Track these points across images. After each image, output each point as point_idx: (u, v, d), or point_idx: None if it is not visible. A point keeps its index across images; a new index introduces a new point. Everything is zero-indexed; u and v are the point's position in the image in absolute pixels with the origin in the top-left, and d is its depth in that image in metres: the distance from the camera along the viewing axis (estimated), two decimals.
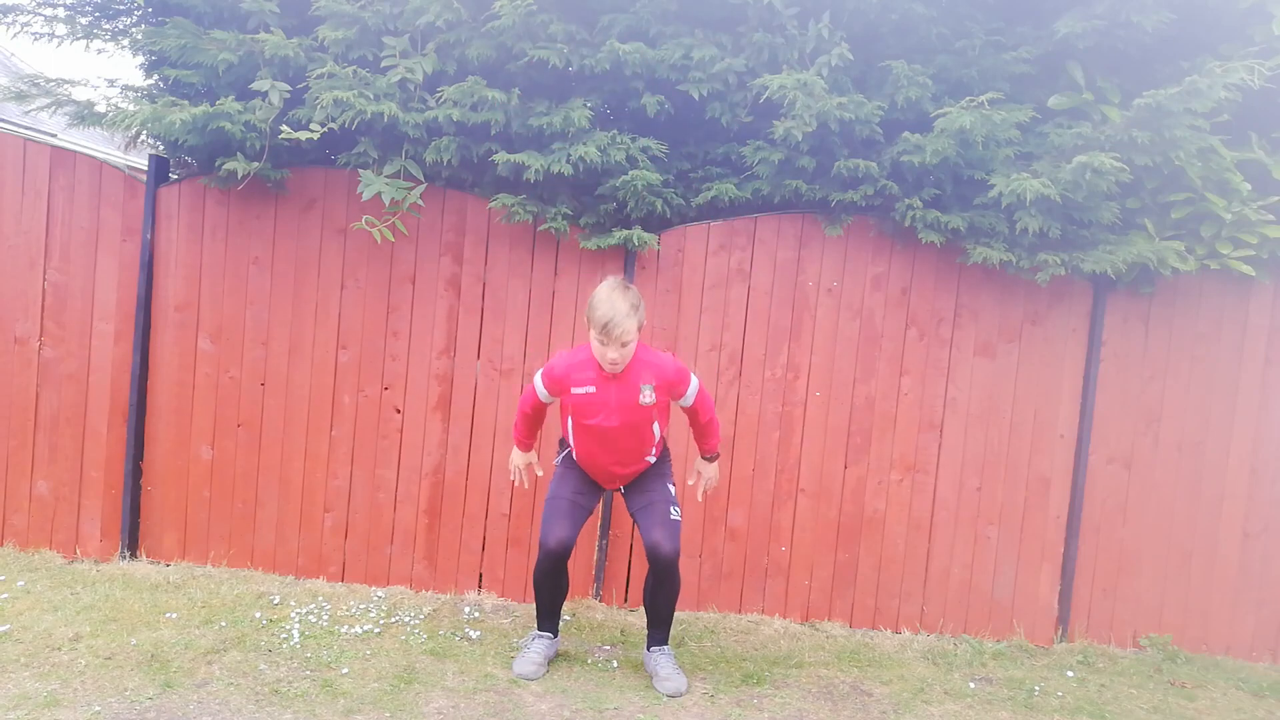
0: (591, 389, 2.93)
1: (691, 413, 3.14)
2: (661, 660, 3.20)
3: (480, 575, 3.94)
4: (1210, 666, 3.82)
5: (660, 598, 3.15)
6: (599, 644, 3.52)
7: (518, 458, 3.30)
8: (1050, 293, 3.87)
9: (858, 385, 3.90)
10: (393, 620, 3.56)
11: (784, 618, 3.91)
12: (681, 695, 3.09)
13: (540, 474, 3.44)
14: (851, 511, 3.92)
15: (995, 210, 3.65)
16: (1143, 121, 3.41)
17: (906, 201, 3.66)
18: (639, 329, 2.84)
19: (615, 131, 3.64)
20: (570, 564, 3.78)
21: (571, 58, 3.56)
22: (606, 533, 3.89)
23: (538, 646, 3.22)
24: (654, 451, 3.11)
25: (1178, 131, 3.42)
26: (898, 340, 3.89)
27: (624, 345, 2.80)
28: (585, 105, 3.58)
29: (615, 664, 3.35)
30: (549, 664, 3.23)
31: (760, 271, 3.87)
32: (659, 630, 3.21)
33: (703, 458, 3.30)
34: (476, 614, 3.71)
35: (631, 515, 3.17)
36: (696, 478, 3.33)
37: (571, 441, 3.11)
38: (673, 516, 3.07)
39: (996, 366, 3.90)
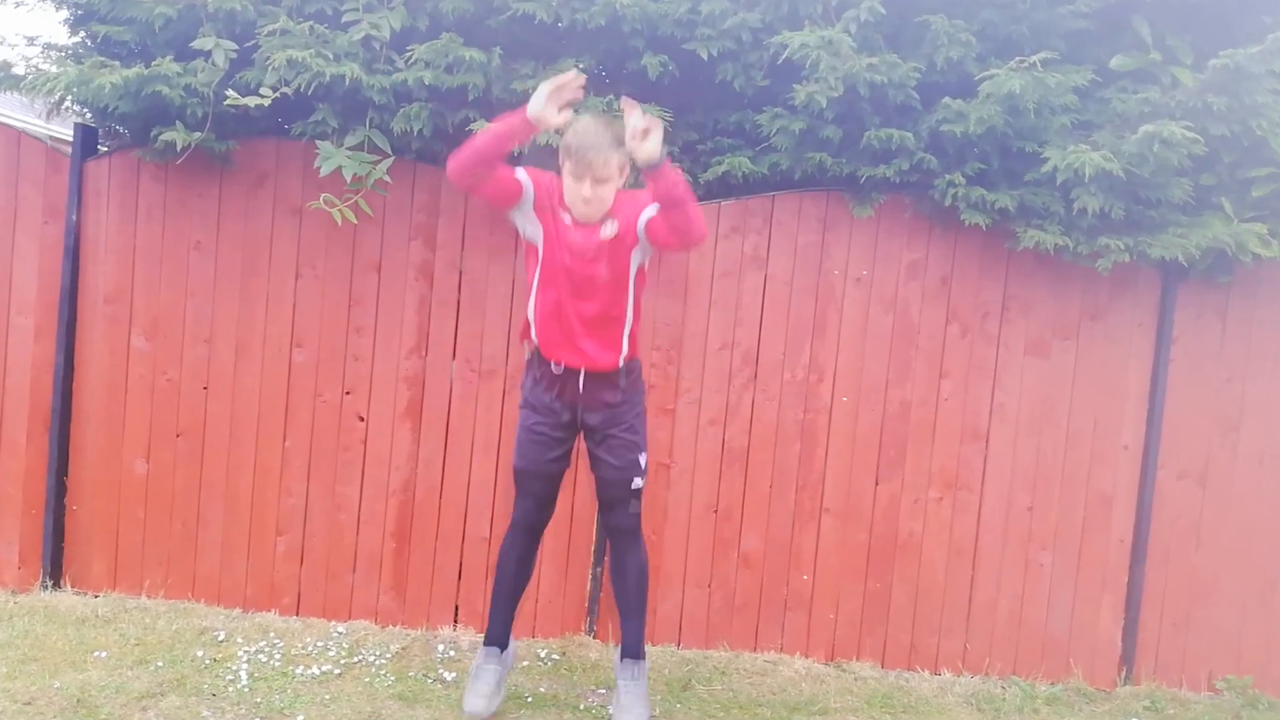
0: (566, 215, 2.89)
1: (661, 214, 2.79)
2: (627, 685, 3.09)
3: (456, 608, 3.92)
4: None
5: (627, 574, 3.10)
6: (593, 687, 3.49)
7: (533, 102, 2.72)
8: (1112, 283, 3.85)
9: (891, 389, 3.89)
10: (355, 660, 3.55)
11: (806, 657, 3.90)
12: None
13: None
14: (884, 534, 3.91)
15: (1049, 188, 3.63)
16: (1219, 85, 3.38)
17: (947, 178, 3.64)
18: (621, 170, 2.80)
19: (612, 97, 3.60)
20: (560, 594, 3.90)
21: (561, 11, 3.53)
22: (602, 559, 3.87)
23: (487, 676, 3.10)
24: (629, 322, 2.96)
25: (1259, 97, 3.38)
26: (937, 337, 3.88)
27: (600, 183, 2.77)
28: (577, 66, 3.52)
29: (613, 712, 3.26)
30: (501, 688, 3.14)
31: (778, 258, 3.86)
32: (631, 623, 3.13)
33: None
34: (452, 653, 3.69)
35: (590, 455, 3.10)
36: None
37: (535, 297, 2.96)
38: (637, 472, 3.04)
39: (1050, 367, 3.90)
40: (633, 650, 3.14)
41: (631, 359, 3.06)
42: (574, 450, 3.17)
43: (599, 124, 2.81)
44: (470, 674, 3.17)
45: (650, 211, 2.84)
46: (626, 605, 3.15)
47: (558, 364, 2.98)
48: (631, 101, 2.72)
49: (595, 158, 2.74)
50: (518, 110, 2.76)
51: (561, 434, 3.06)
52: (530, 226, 2.95)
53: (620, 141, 2.75)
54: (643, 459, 3.07)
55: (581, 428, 3.07)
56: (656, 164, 2.64)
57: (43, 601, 3.80)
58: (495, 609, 3.20)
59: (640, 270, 2.98)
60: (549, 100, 2.71)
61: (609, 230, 2.89)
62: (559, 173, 2.90)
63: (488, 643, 3.19)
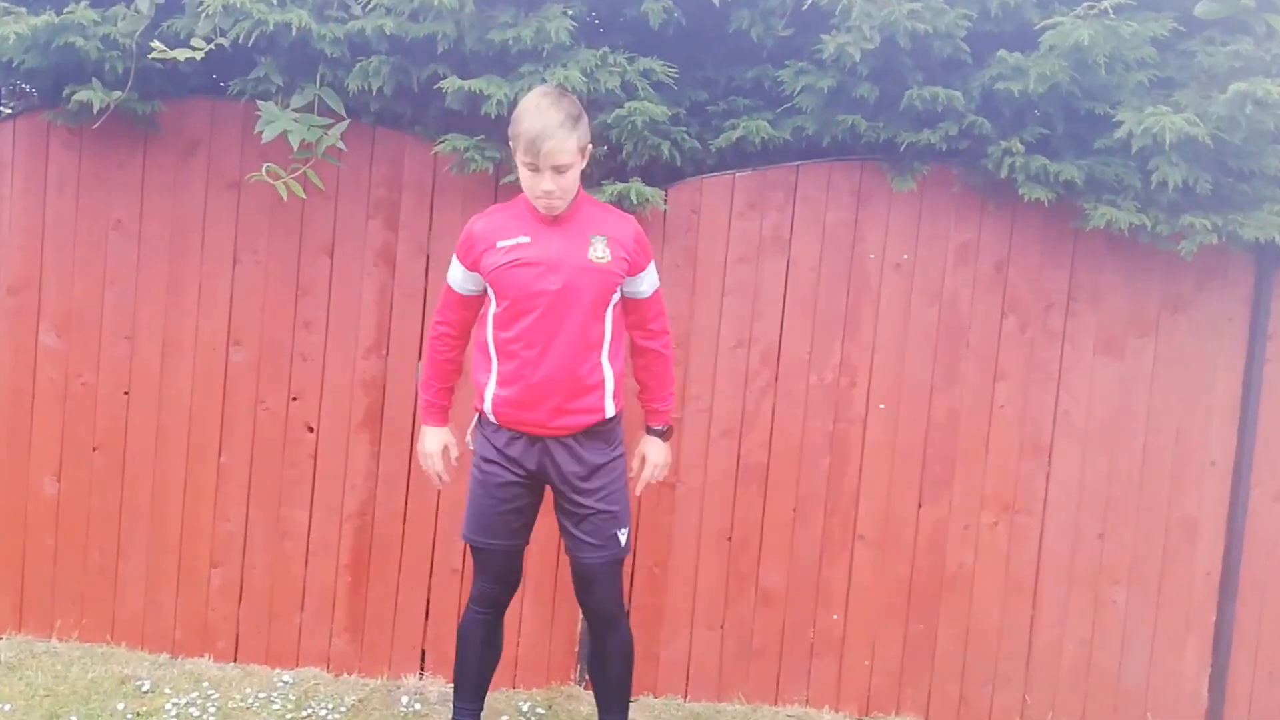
0: (525, 239, 2.85)
1: (641, 313, 3.03)
2: None
3: (423, 653, 3.83)
4: None
5: (608, 660, 3.06)
6: None
7: (429, 441, 3.13)
8: (1198, 269, 3.75)
9: (936, 395, 3.79)
10: (304, 714, 3.47)
11: (836, 711, 3.81)
12: None
13: (455, 459, 3.21)
14: (928, 566, 3.82)
15: (1123, 157, 3.53)
16: None
17: (1003, 145, 3.54)
18: (582, 152, 2.81)
19: (606, 49, 3.52)
20: (545, 637, 3.77)
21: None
22: None
23: None
24: (603, 380, 2.90)
25: None
26: (991, 334, 3.79)
27: (560, 172, 2.74)
28: (566, 14, 3.45)
29: None
30: None
31: (804, 240, 3.77)
32: (611, 716, 3.09)
33: (649, 430, 3.15)
34: (417, 705, 3.59)
35: (560, 526, 3.04)
36: (639, 464, 3.16)
37: (494, 357, 2.91)
38: (617, 549, 2.97)
39: (1125, 369, 3.81)
40: None
41: (614, 416, 2.99)
42: (541, 505, 3.09)
43: (548, 101, 2.76)
44: None
45: (641, 285, 2.98)
46: (607, 698, 3.08)
47: (519, 433, 2.94)
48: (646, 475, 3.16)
49: (548, 144, 2.70)
50: (425, 409, 3.13)
51: (525, 495, 2.98)
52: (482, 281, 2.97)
53: (576, 119, 2.76)
54: (623, 535, 2.98)
55: (550, 485, 3.00)
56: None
57: None
58: (460, 699, 3.10)
59: (617, 305, 2.96)
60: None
61: (600, 251, 2.86)
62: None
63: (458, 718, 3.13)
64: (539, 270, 2.82)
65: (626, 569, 3.22)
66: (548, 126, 2.68)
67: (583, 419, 2.89)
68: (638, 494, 3.22)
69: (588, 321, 2.86)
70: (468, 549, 3.59)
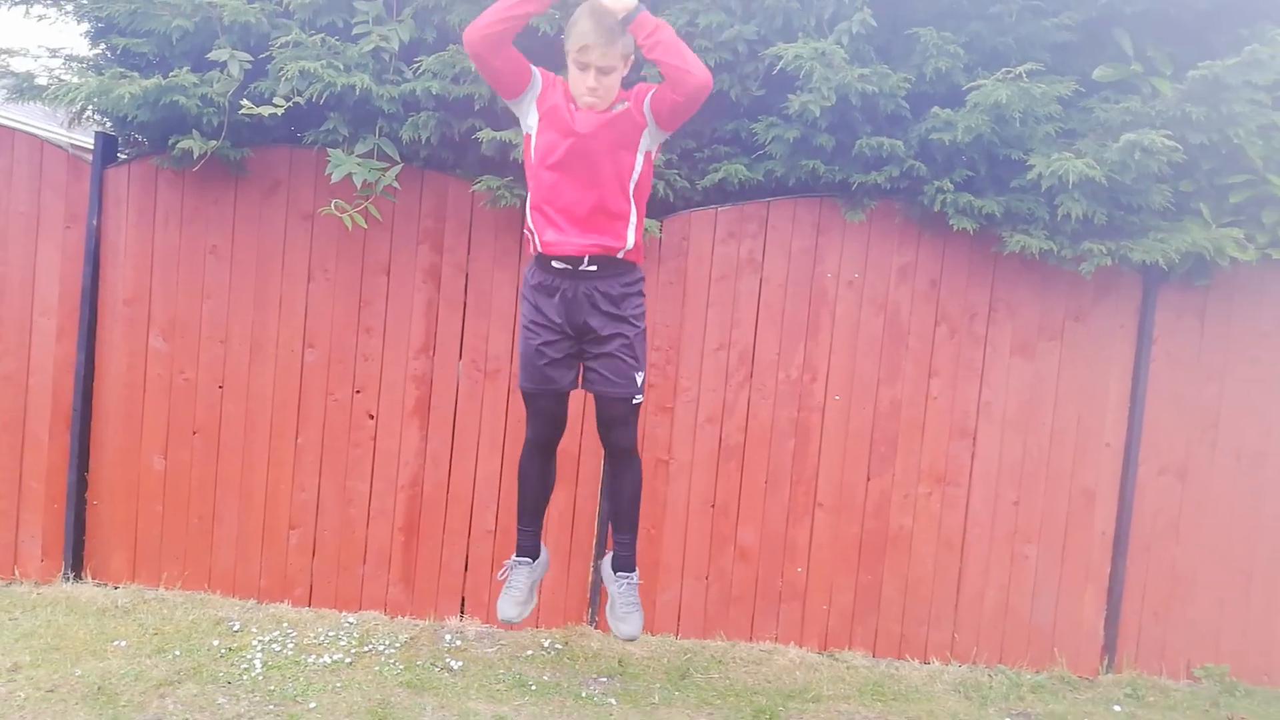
0: (571, 105, 2.77)
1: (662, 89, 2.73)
2: (621, 589, 3.04)
3: (463, 599, 3.99)
4: (1272, 700, 3.87)
5: (622, 489, 3.03)
6: (594, 675, 3.57)
7: None
8: (1095, 286, 3.93)
9: (882, 388, 3.96)
10: (365, 649, 3.62)
11: (800, 646, 3.97)
12: (635, 639, 2.99)
13: None
14: (875, 528, 3.98)
15: (1034, 194, 3.71)
16: (1197, 95, 3.47)
17: (936, 184, 3.72)
18: (626, 60, 2.71)
19: None
20: (563, 585, 3.97)
21: (564, 23, 3.52)
22: (602, 550, 3.94)
23: (518, 580, 3.04)
24: (628, 213, 2.80)
25: (1236, 106, 3.47)
26: (926, 338, 3.95)
27: (605, 73, 2.68)
28: None
29: (613, 700, 3.38)
30: (535, 595, 3.09)
31: (773, 262, 3.93)
32: (624, 538, 3.06)
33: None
34: (458, 642, 3.76)
35: (586, 370, 2.93)
36: None
37: (532, 186, 2.82)
38: (635, 390, 2.91)
39: (1036, 367, 3.97)
40: (625, 563, 3.07)
41: (635, 257, 2.87)
42: (578, 375, 2.95)
43: (600, 13, 2.66)
44: (504, 579, 3.08)
45: (654, 89, 2.76)
46: (620, 520, 3.05)
47: (559, 257, 2.78)
48: None
49: (598, 45, 2.63)
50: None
51: (564, 351, 2.87)
52: (530, 117, 2.81)
53: (622, 29, 2.66)
54: (640, 378, 2.91)
55: (582, 340, 2.88)
56: (633, 14, 2.62)
57: (64, 593, 3.88)
58: (522, 522, 3.08)
59: (647, 156, 2.82)
60: None
61: (619, 107, 2.76)
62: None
63: (519, 555, 3.08)
64: (577, 127, 2.72)
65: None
66: (599, 30, 2.62)
67: (608, 240, 2.77)
68: None
69: (614, 184, 2.75)
70: (499, 513, 3.88)
